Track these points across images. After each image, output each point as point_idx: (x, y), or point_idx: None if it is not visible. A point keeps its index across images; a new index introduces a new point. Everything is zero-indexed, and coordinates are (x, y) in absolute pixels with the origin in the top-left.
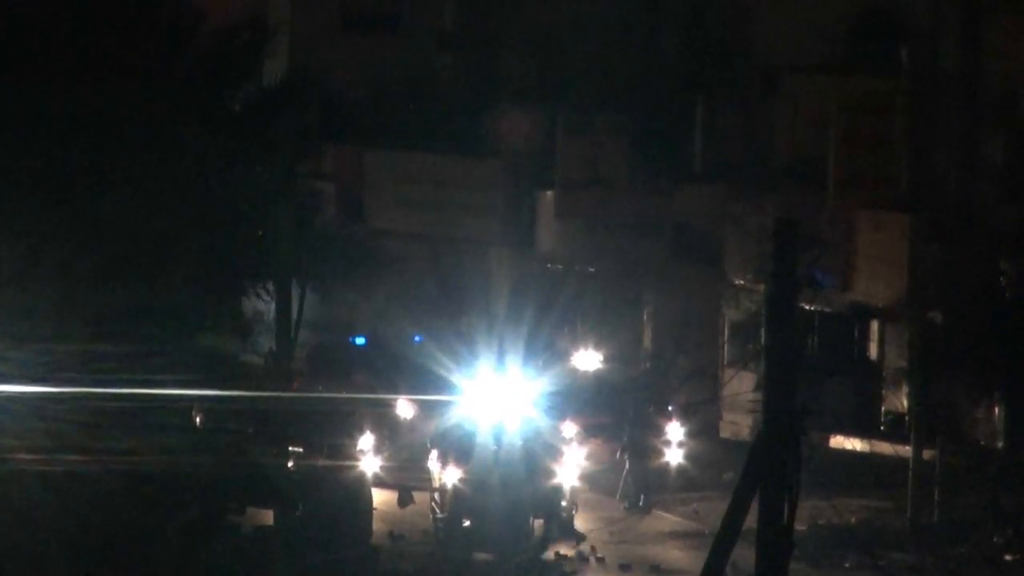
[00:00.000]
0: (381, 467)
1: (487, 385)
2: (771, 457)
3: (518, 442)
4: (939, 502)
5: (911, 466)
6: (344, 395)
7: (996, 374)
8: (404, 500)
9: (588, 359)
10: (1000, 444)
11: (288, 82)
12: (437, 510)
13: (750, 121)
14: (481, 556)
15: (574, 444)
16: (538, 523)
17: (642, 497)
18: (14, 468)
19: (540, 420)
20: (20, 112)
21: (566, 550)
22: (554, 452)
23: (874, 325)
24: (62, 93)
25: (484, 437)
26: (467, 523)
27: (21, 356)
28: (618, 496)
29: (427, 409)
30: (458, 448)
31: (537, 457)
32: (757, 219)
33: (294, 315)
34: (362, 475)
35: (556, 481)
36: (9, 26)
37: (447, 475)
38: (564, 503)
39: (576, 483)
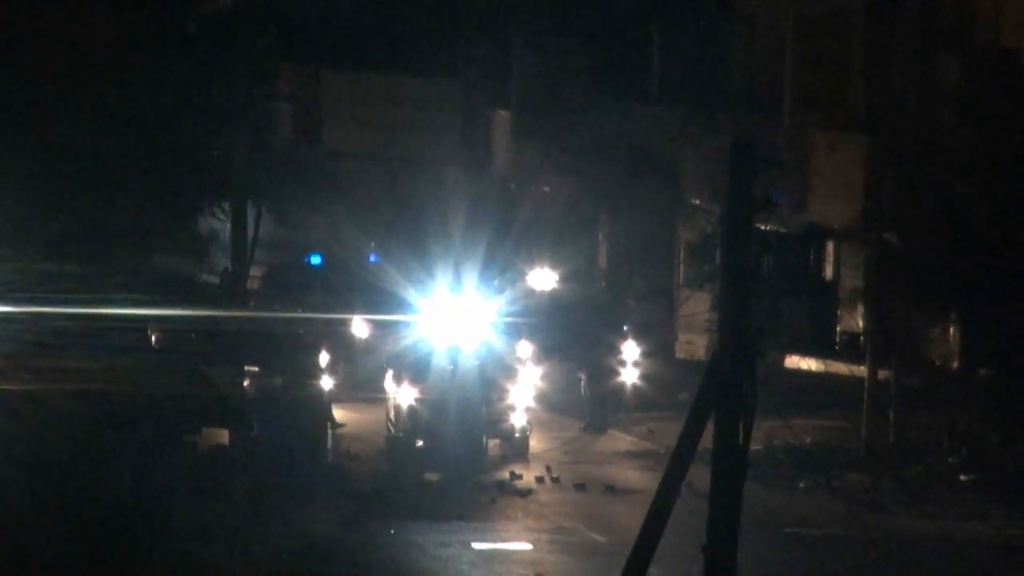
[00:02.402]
0: (336, 386)
1: (443, 305)
2: (727, 377)
3: (474, 362)
4: (894, 423)
5: (866, 386)
6: (300, 314)
7: (951, 295)
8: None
9: (543, 279)
10: (955, 365)
11: (245, 1)
12: (392, 429)
13: (706, 43)
14: (434, 476)
15: (530, 364)
16: (493, 443)
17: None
18: None
19: (496, 340)
20: None
21: (521, 470)
22: (509, 372)
23: (830, 246)
24: (14, 15)
25: (440, 357)
26: (420, 443)
27: None
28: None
29: (383, 329)
30: (414, 368)
31: (492, 378)
32: (713, 140)
33: (250, 235)
34: (318, 394)
35: (510, 401)
36: None
37: (401, 395)
38: (518, 424)
39: (531, 403)
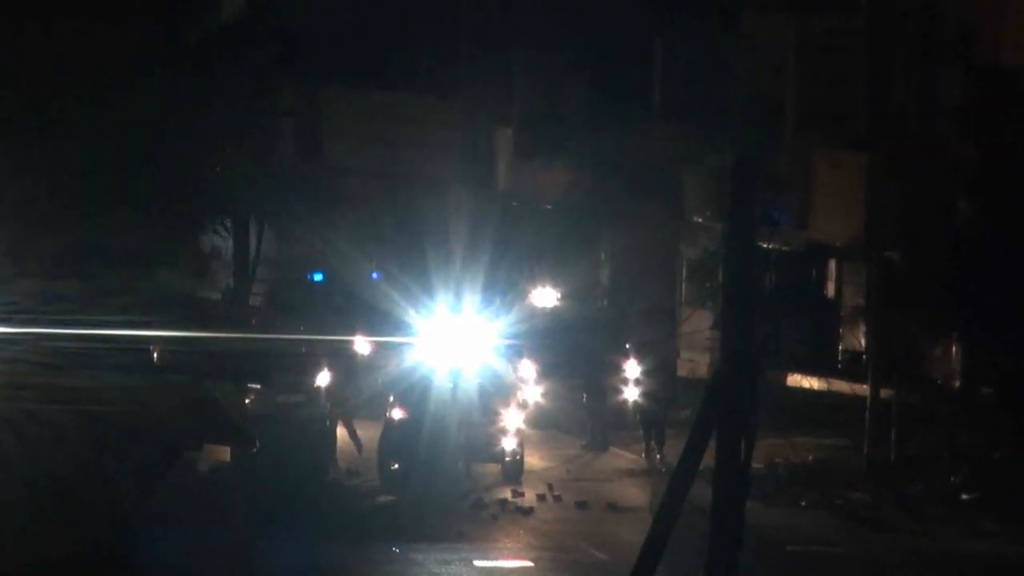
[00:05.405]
0: (338, 403)
1: (443, 327)
2: (728, 395)
3: (470, 385)
4: (896, 441)
5: (868, 405)
6: (302, 337)
7: (953, 313)
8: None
9: (545, 297)
10: (957, 383)
11: (246, 17)
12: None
13: (708, 60)
14: (389, 498)
15: (531, 383)
16: (494, 467)
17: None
18: None
19: (496, 361)
20: None
21: (522, 488)
22: (506, 394)
23: (831, 264)
24: (13, 31)
25: (434, 380)
26: (395, 466)
27: None
28: (587, 441)
29: (384, 346)
30: (407, 391)
31: (486, 401)
32: (715, 158)
33: (252, 252)
34: (320, 412)
35: (503, 424)
36: None
37: (394, 416)
38: (509, 447)
39: (523, 426)
